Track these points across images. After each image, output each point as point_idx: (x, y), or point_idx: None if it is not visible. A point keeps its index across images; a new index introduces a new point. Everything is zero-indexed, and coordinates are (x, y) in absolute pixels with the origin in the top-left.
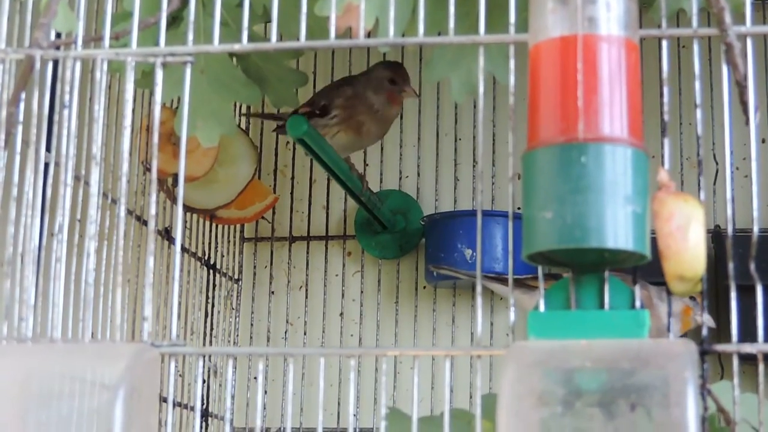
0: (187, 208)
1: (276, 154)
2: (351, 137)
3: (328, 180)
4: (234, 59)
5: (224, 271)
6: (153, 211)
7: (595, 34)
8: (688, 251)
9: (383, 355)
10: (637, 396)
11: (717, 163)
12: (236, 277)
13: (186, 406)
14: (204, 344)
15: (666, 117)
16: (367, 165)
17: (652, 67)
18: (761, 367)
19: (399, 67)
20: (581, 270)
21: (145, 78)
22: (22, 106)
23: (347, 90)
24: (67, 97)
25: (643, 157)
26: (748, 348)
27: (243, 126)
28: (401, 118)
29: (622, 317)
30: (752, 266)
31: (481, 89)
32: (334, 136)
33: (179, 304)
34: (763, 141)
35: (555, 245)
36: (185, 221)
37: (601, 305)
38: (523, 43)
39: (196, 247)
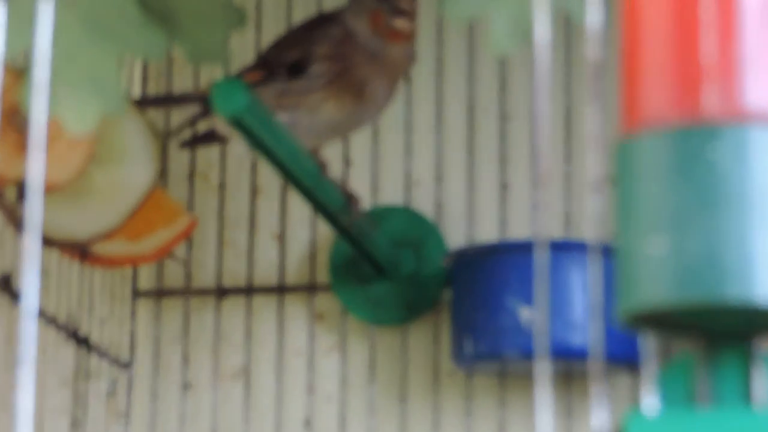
0: (43, 240)
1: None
2: (348, 107)
3: (284, 189)
4: None
5: (104, 348)
6: None
7: None
8: None
9: None
10: None
11: None
12: (125, 359)
13: None
14: None
15: None
16: (349, 163)
17: None
18: None
19: None
20: (715, 340)
21: None
22: None
23: (334, 30)
24: None
25: None
26: None
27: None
28: (408, 82)
29: None
30: None
31: (543, 33)
32: (317, 110)
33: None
34: None
35: (671, 300)
36: (39, 261)
37: (748, 398)
38: None
39: (56, 308)
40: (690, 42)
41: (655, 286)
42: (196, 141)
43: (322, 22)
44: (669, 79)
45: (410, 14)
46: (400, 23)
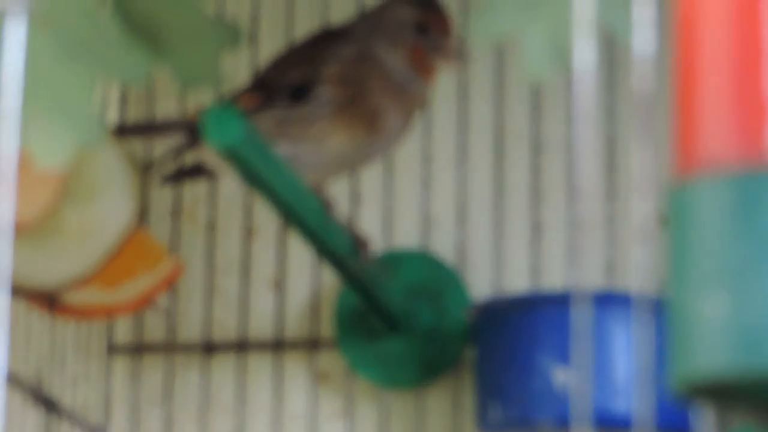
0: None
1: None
2: (358, 138)
3: (282, 231)
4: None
5: (75, 412)
6: None
7: None
8: None
9: None
10: None
11: None
12: (99, 423)
13: None
14: None
15: None
16: (359, 200)
17: None
18: None
19: (432, 5)
20: None
21: None
22: None
23: (345, 49)
24: None
25: None
26: None
27: (112, 118)
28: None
29: None
30: None
31: (586, 56)
32: (323, 141)
33: None
34: None
35: (731, 369)
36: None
37: None
38: None
39: (22, 366)
40: (753, 74)
41: (712, 352)
42: (181, 175)
43: (330, 38)
44: (729, 116)
45: (452, 54)
46: (443, 63)
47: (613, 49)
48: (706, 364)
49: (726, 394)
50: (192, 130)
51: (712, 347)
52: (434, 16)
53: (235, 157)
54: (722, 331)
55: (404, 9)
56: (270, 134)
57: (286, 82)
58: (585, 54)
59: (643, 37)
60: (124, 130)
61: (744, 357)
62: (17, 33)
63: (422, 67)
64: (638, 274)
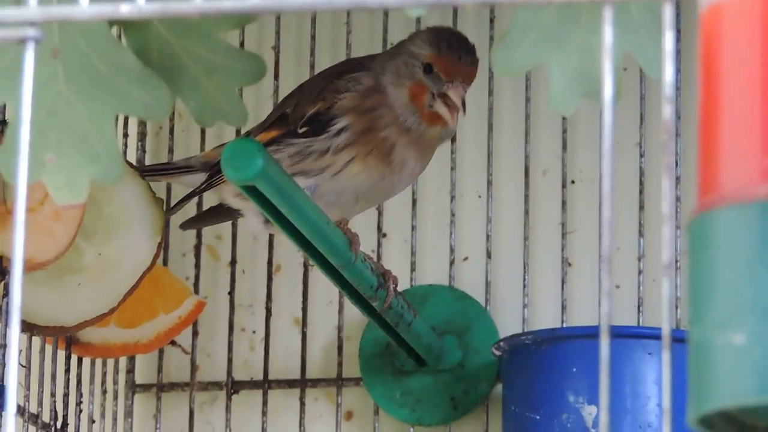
0: (24, 326)
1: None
2: (375, 171)
3: (306, 268)
4: (120, 32)
5: None
6: None
7: None
8: None
9: None
10: None
11: None
12: None
13: None
14: None
15: None
16: (384, 235)
17: None
18: None
19: (447, 47)
20: None
21: None
22: None
23: (364, 78)
24: None
25: None
26: None
27: (131, 155)
28: (453, 140)
29: None
30: None
31: (608, 90)
32: (341, 173)
33: None
34: None
35: (751, 398)
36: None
37: None
38: (687, 1)
39: (39, 404)
40: None
41: (733, 381)
42: (202, 219)
43: (349, 68)
44: (755, 144)
45: (456, 108)
46: (442, 111)
47: (644, 79)
48: (724, 394)
49: (745, 423)
50: (212, 168)
51: (731, 377)
52: (444, 59)
53: (254, 192)
54: (741, 361)
55: (419, 45)
56: (289, 167)
57: (305, 114)
58: (609, 87)
59: (669, 72)
60: (143, 171)
61: (760, 387)
62: (30, 64)
63: (421, 109)
64: (667, 308)
